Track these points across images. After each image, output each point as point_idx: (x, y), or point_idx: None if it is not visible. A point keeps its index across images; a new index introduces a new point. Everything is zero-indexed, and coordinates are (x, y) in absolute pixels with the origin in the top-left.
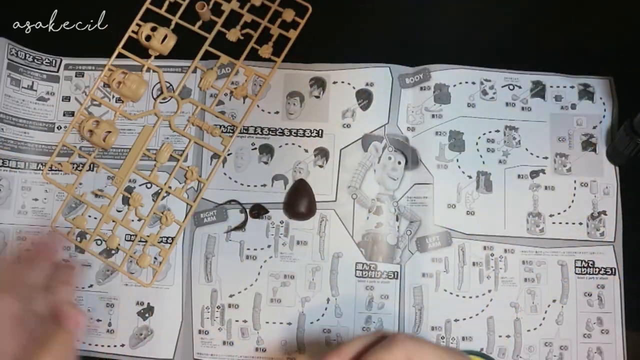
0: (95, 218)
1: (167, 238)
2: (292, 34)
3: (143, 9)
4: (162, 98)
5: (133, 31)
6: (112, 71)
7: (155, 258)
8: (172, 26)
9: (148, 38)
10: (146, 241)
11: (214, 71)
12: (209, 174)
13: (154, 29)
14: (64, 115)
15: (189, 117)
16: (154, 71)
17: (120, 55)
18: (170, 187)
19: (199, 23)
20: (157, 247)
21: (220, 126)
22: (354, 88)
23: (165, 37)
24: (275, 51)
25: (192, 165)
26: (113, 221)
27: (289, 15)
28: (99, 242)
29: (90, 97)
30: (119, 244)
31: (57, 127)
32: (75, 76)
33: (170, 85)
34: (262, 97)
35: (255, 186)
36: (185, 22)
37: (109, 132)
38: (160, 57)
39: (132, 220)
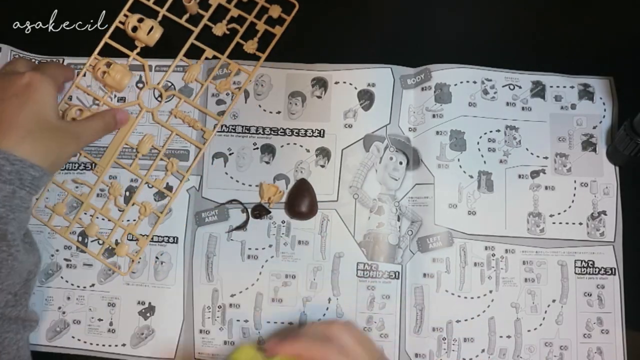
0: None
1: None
2: (278, 30)
3: (131, 1)
4: (153, 91)
5: (120, 22)
6: (98, 60)
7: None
8: (159, 18)
9: (134, 29)
10: (133, 235)
11: (198, 65)
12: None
13: (140, 20)
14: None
15: (172, 110)
16: (139, 62)
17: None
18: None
19: (185, 16)
20: (136, 238)
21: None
22: (355, 88)
23: (152, 28)
24: (263, 48)
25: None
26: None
27: (275, 11)
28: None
29: (75, 86)
30: (98, 232)
31: None
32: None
33: (170, 83)
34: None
35: (256, 186)
36: (173, 15)
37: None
38: (148, 50)
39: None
